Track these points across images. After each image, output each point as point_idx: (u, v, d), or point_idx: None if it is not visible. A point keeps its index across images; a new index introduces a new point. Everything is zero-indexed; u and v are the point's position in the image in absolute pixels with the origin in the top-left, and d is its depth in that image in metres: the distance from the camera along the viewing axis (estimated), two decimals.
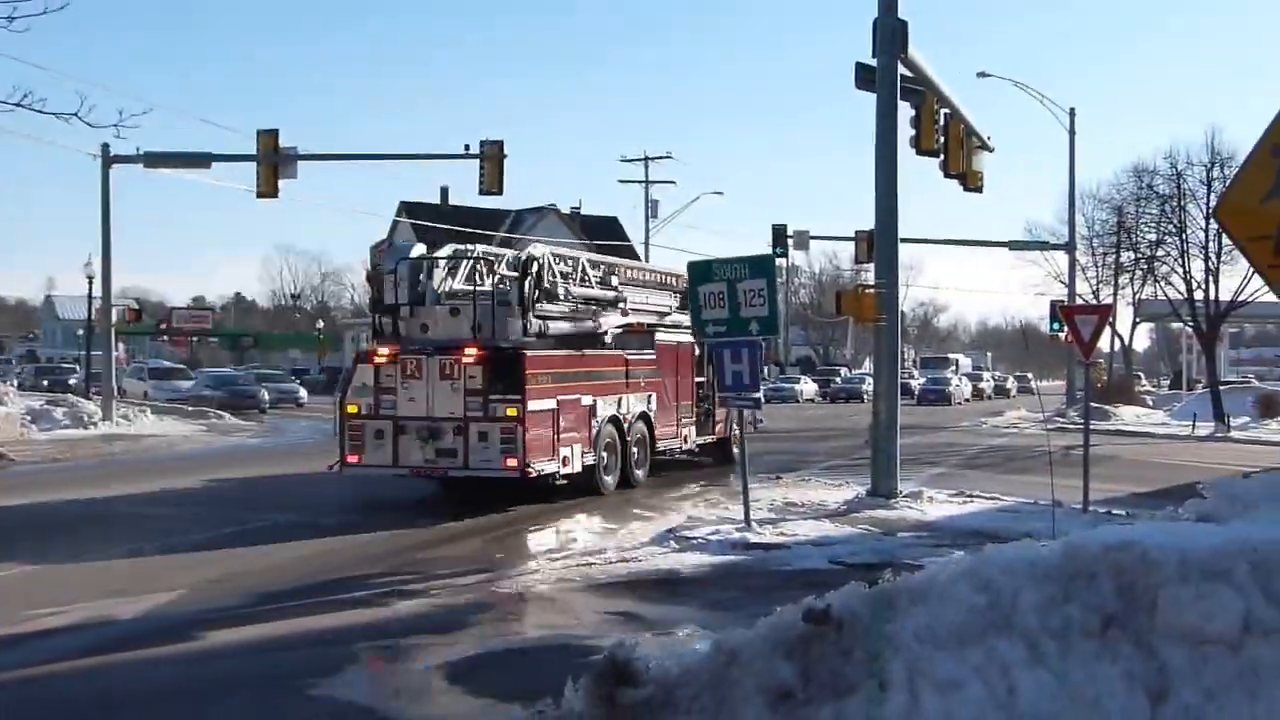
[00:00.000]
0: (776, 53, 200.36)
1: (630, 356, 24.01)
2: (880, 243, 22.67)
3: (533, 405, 20.04)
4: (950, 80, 24.56)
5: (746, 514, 18.16)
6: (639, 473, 23.78)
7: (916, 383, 79.41)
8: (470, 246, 23.68)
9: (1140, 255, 59.01)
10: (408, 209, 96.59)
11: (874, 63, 21.83)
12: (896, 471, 21.55)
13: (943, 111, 24.58)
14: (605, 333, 23.56)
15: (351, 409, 20.98)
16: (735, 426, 23.49)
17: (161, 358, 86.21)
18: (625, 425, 23.21)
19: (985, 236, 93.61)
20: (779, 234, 59.28)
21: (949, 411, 65.87)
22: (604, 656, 5.80)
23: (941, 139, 24.64)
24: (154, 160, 39.48)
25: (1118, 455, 32.89)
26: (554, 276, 22.47)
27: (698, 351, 25.92)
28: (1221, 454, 34.31)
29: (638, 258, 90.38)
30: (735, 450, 23.97)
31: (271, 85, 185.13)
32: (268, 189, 36.39)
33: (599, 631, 10.94)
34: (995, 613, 4.71)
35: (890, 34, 21.62)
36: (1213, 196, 45.92)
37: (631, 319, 25.15)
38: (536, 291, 21.63)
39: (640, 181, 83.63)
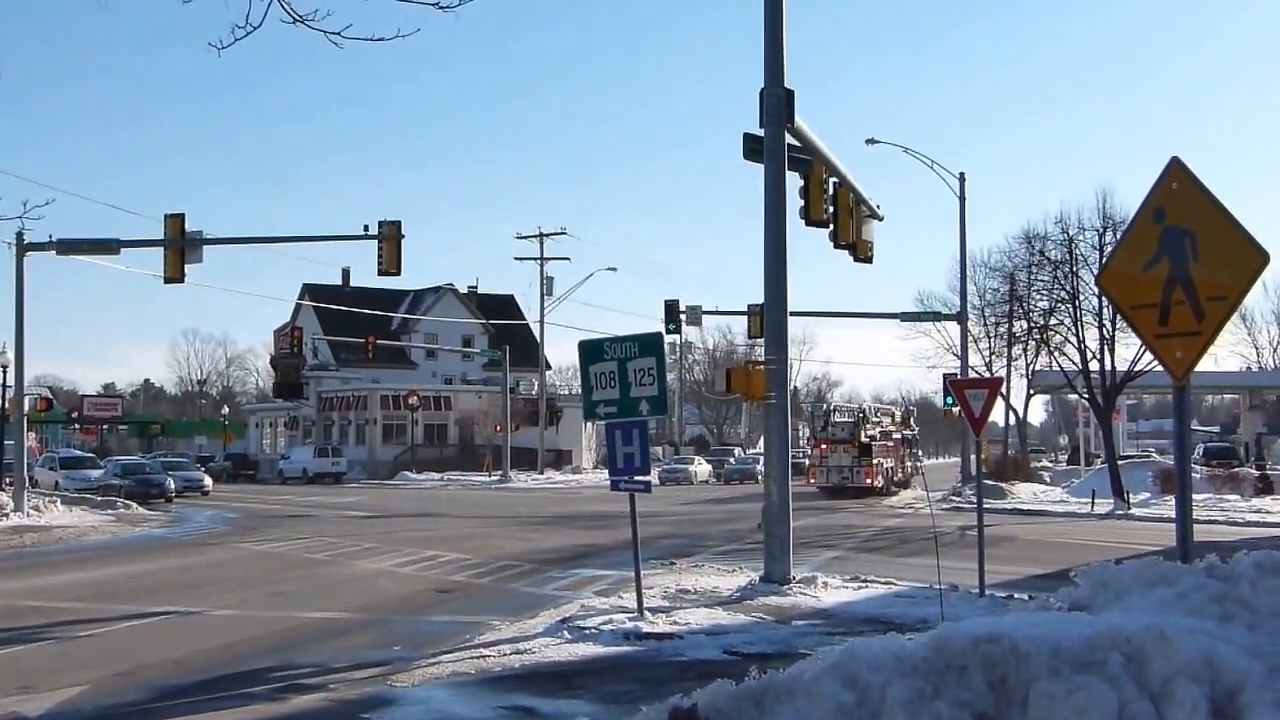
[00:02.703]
0: (669, 125, 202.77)
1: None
2: (770, 316, 22.77)
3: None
4: (839, 149, 24.93)
5: (639, 603, 18.10)
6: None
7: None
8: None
9: (1033, 324, 59.58)
10: (310, 291, 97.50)
11: (762, 133, 22.03)
12: (790, 556, 21.55)
13: (831, 181, 24.89)
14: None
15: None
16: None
17: (72, 446, 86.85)
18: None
19: (878, 308, 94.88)
20: (671, 310, 59.72)
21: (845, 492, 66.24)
22: None
23: (831, 208, 24.94)
24: (66, 247, 40.33)
25: (1015, 535, 33.21)
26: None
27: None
28: (1120, 533, 34.75)
29: (533, 335, 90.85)
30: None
31: (179, 175, 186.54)
32: (174, 273, 37.33)
33: None
34: (864, 710, 4.66)
35: (777, 104, 21.82)
36: None
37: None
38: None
39: (535, 259, 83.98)
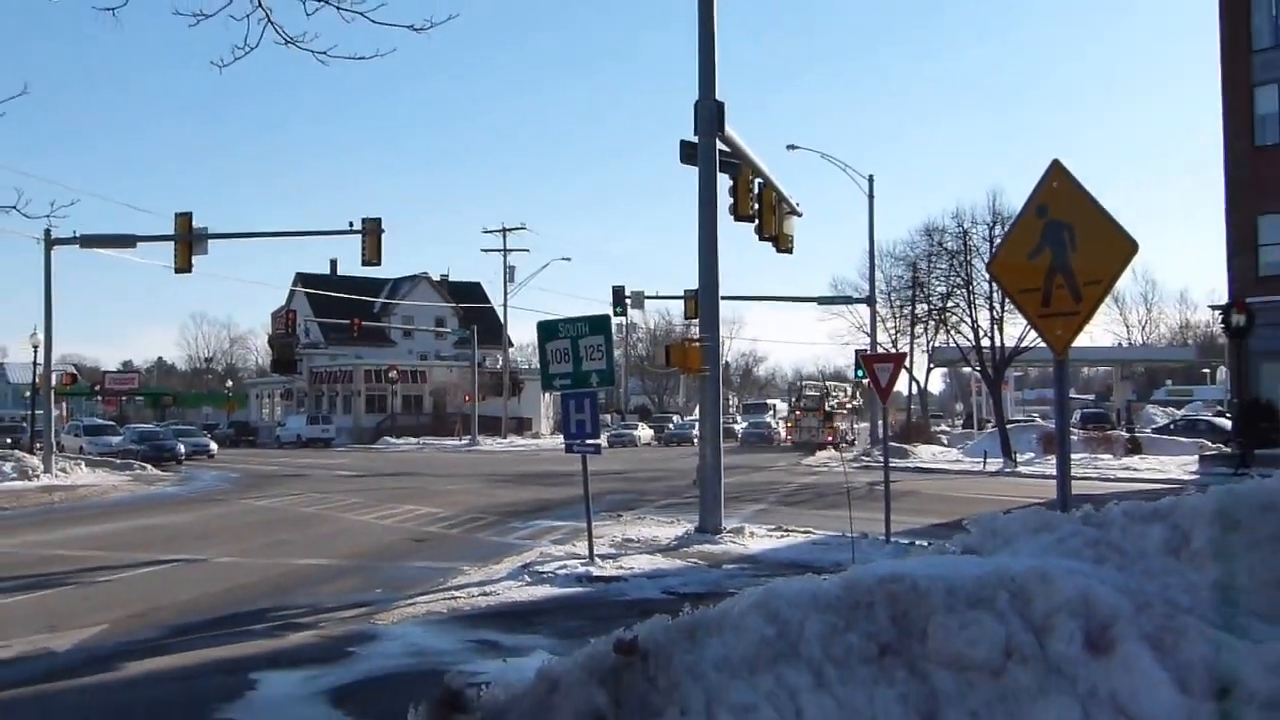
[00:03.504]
0: (617, 132, 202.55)
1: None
2: (703, 300, 22.75)
3: None
4: (764, 153, 24.90)
5: (590, 550, 18.11)
6: None
7: (739, 426, 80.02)
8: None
9: (933, 307, 60.02)
10: (303, 279, 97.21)
11: (696, 140, 21.99)
12: (721, 509, 21.56)
13: (757, 181, 24.86)
14: None
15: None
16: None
17: (95, 416, 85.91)
18: None
19: (798, 292, 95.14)
20: (618, 295, 59.81)
21: (769, 452, 66.44)
22: (440, 686, 5.70)
23: (756, 206, 24.91)
24: (88, 242, 40.09)
25: (918, 490, 33.35)
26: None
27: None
28: (1008, 488, 34.99)
29: (497, 317, 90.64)
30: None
31: (186, 176, 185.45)
32: (184, 264, 36.97)
33: (461, 659, 11.01)
34: (783, 642, 4.64)
35: (709, 115, 21.79)
36: None
37: None
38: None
39: (499, 250, 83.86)
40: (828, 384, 75.73)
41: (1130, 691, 4.41)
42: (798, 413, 70.86)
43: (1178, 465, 42.51)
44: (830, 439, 63.83)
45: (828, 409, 67.56)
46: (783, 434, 74.78)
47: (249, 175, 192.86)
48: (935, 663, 4.55)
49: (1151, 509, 5.65)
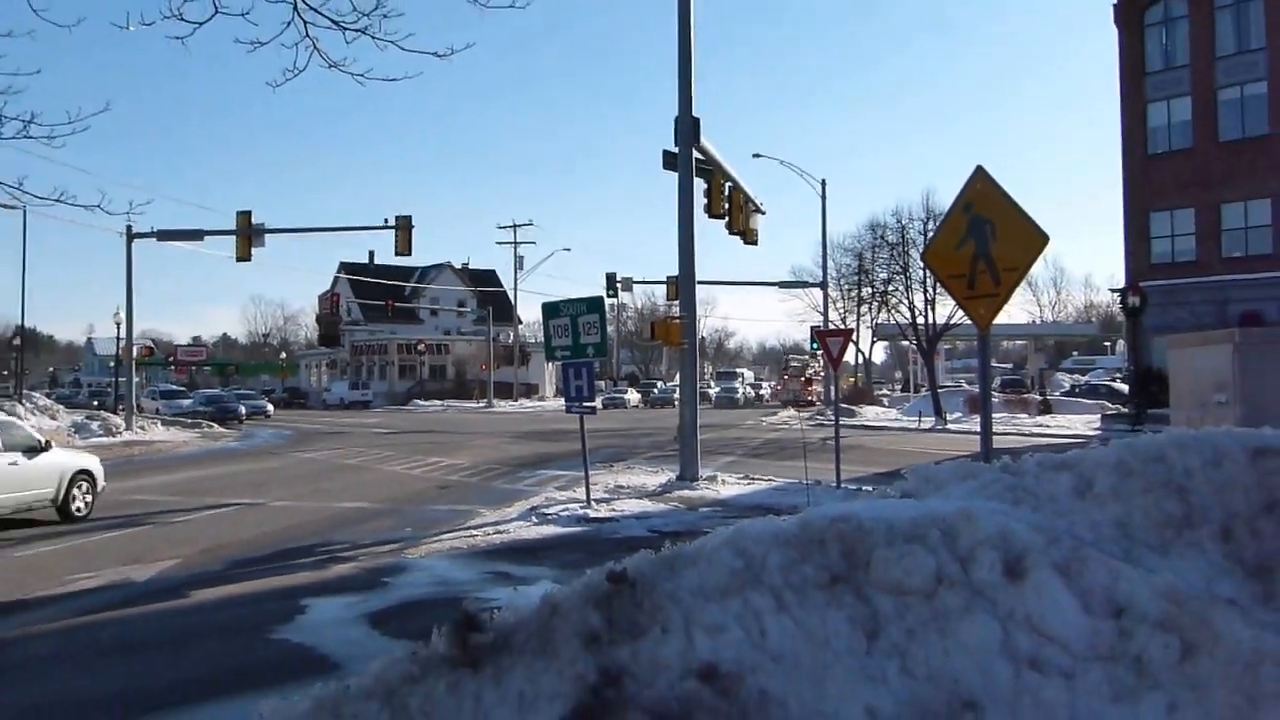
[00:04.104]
0: (612, 138, 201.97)
1: None
2: (682, 285, 22.74)
3: None
4: (733, 161, 24.85)
5: (588, 495, 18.19)
6: None
7: (713, 391, 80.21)
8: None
9: (876, 290, 60.20)
10: (346, 267, 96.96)
11: (676, 150, 21.95)
12: (698, 460, 21.62)
13: (727, 185, 24.81)
14: None
15: None
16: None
17: (169, 383, 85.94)
18: None
19: (762, 278, 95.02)
20: (611, 280, 59.75)
21: (737, 413, 66.54)
22: (460, 610, 5.72)
23: (726, 205, 24.86)
24: (164, 236, 40.10)
25: (863, 444, 33.45)
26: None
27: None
28: (939, 442, 35.11)
29: (509, 299, 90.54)
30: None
31: (246, 178, 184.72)
32: (244, 254, 36.75)
33: (479, 587, 11.23)
34: (749, 572, 4.63)
35: (687, 129, 21.76)
36: None
37: None
38: None
39: (510, 242, 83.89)
40: (806, 357, 78.68)
41: (1041, 612, 4.41)
42: (785, 377, 77.69)
43: (1083, 423, 42.67)
44: (808, 398, 69.46)
45: (807, 376, 74.04)
46: (770, 394, 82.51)
47: (299, 175, 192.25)
48: (877, 589, 4.55)
49: (1060, 459, 5.65)
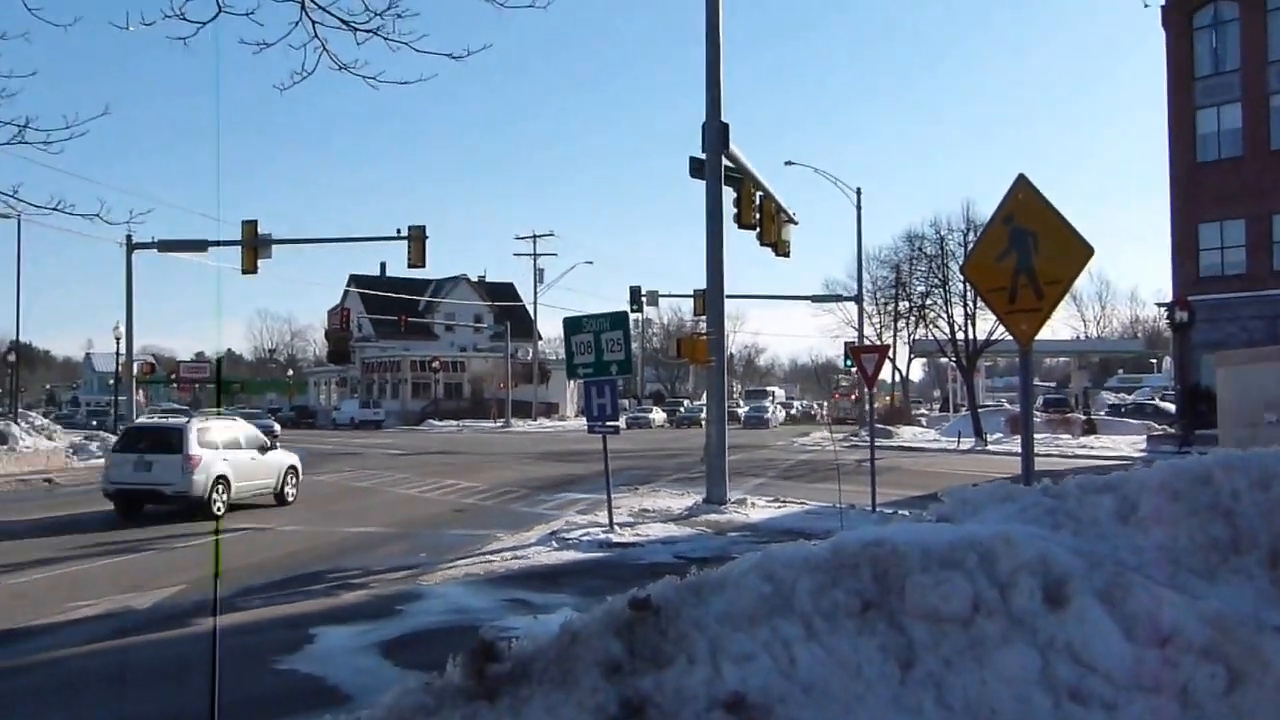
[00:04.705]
0: (635, 146, 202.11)
1: None
2: (710, 299, 22.80)
3: None
4: (763, 167, 24.96)
5: (610, 519, 18.22)
6: None
7: (742, 410, 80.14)
8: None
9: (913, 304, 60.10)
10: (356, 280, 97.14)
11: (703, 156, 22.02)
12: (726, 482, 21.64)
13: (758, 194, 24.86)
14: None
15: None
16: None
17: (171, 401, 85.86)
18: None
19: (794, 292, 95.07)
20: (635, 294, 59.63)
21: (767, 433, 66.47)
22: (477, 639, 5.77)
23: (757, 215, 24.91)
24: (165, 246, 40.08)
25: (899, 466, 33.37)
26: None
27: None
28: (979, 464, 34.99)
29: (528, 314, 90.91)
30: None
31: (252, 187, 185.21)
32: (249, 266, 36.78)
33: (496, 615, 11.20)
34: (778, 598, 4.67)
35: (715, 135, 21.83)
36: None
37: None
38: None
39: (530, 254, 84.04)
40: (855, 374, 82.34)
41: (1083, 640, 4.43)
42: (835, 395, 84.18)
43: (1128, 444, 42.45)
44: (853, 416, 71.24)
45: (857, 394, 74.09)
46: (823, 412, 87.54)
47: (307, 184, 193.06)
48: (912, 616, 4.58)
49: (1103, 481, 5.67)
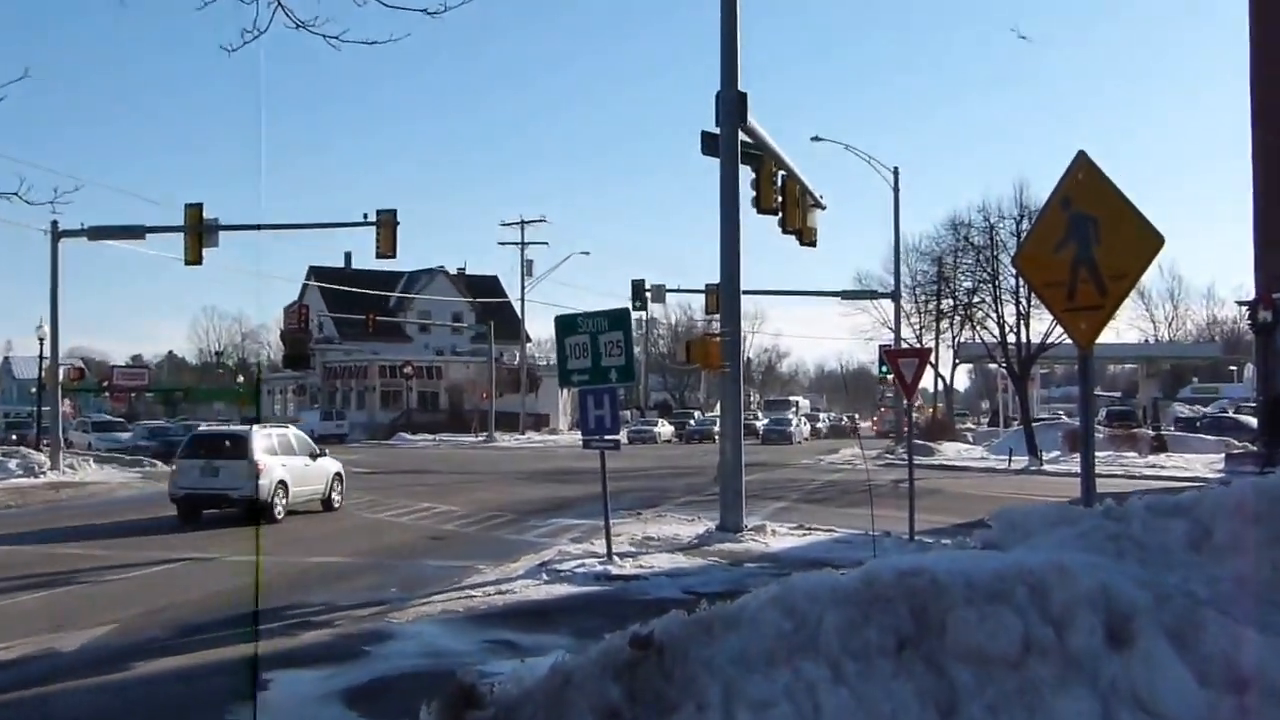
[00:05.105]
0: (638, 120, 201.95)
1: None
2: (724, 295, 22.80)
3: None
4: (786, 145, 24.94)
5: (609, 548, 18.20)
6: None
7: (761, 423, 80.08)
8: None
9: (958, 302, 59.86)
10: (316, 273, 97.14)
11: (718, 131, 22.02)
12: (742, 507, 21.64)
13: (780, 174, 24.88)
14: None
15: None
16: None
17: (103, 412, 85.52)
18: None
19: (821, 287, 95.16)
20: (638, 289, 59.66)
21: (790, 450, 66.45)
22: (454, 682, 5.77)
23: (779, 199, 24.93)
24: (97, 233, 39.92)
25: (941, 488, 33.35)
26: None
27: None
28: (1033, 486, 34.96)
29: (514, 312, 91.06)
30: None
31: (196, 165, 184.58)
32: (194, 257, 36.78)
33: (478, 658, 11.07)
34: (801, 636, 4.69)
35: (731, 106, 21.83)
36: None
37: None
38: None
39: (517, 243, 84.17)
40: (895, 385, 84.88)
41: (1150, 685, 4.45)
42: (882, 410, 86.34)
43: (1204, 464, 42.38)
44: (905, 429, 70.55)
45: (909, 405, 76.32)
46: (870, 426, 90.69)
47: (259, 164, 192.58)
48: (954, 656, 4.60)
49: (1173, 503, 5.69)
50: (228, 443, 26.28)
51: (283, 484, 25.70)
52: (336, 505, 27.92)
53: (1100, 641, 4.58)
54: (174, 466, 27.12)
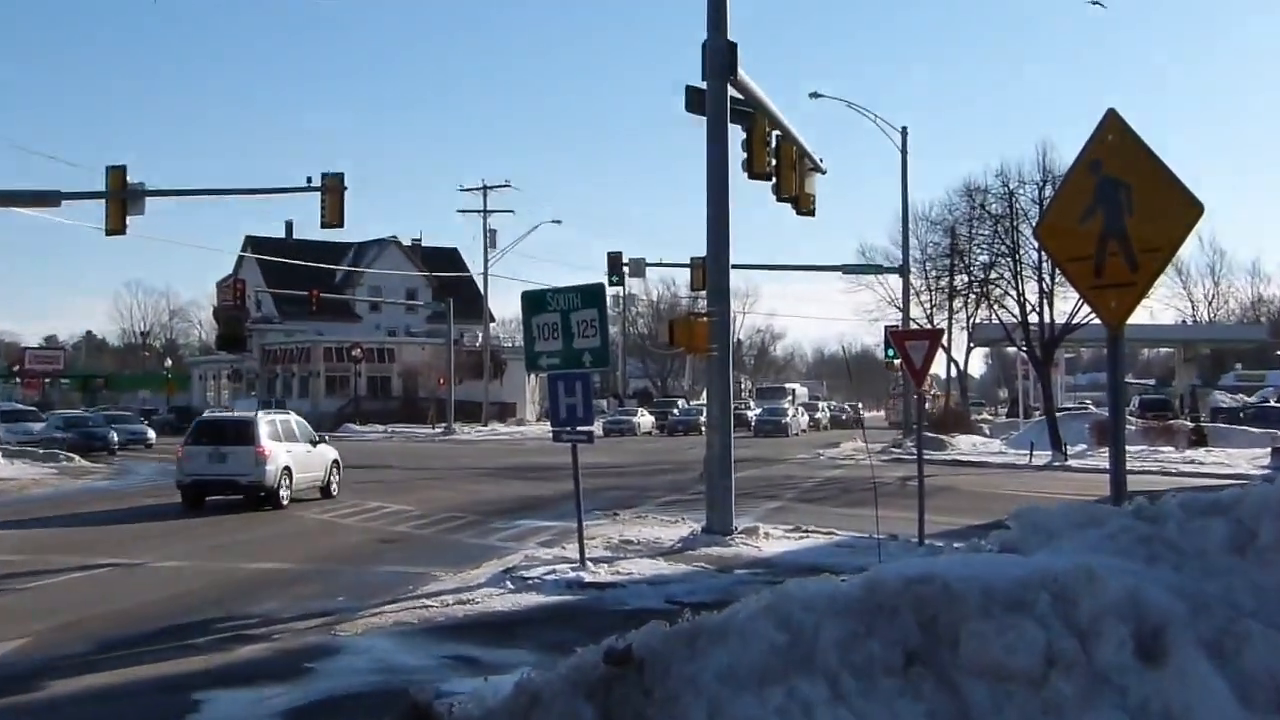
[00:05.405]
0: (616, 77, 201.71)
1: None
2: (712, 269, 22.75)
3: None
4: (782, 102, 24.86)
5: (581, 553, 18.22)
6: None
7: (753, 414, 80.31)
8: None
9: (974, 278, 59.59)
10: (253, 244, 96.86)
11: (704, 86, 21.95)
12: (732, 507, 21.65)
13: (774, 134, 24.82)
14: None
15: None
16: None
17: (13, 400, 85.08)
18: None
19: (821, 261, 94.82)
20: (614, 262, 59.58)
21: (785, 443, 66.62)
22: (407, 700, 5.78)
23: (773, 162, 24.87)
24: (5, 199, 39.42)
25: (955, 486, 33.44)
26: None
27: None
28: (1057, 483, 35.06)
29: (476, 288, 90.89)
30: None
31: (119, 123, 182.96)
32: (116, 225, 36.27)
33: (436, 676, 10.97)
34: (796, 651, 4.70)
35: (719, 56, 21.75)
36: None
37: None
38: None
39: (479, 211, 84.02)
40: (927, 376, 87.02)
41: (1185, 704, 4.47)
42: (892, 399, 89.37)
43: (1247, 459, 42.56)
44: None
45: (920, 394, 74.68)
46: (882, 415, 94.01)
47: (192, 122, 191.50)
48: (968, 673, 4.61)
49: (1212, 501, 5.71)
50: (234, 428, 29.31)
51: (288, 470, 28.62)
52: (334, 494, 31.08)
53: (1130, 656, 4.60)
54: (179, 453, 29.58)
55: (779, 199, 25.83)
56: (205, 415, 37.14)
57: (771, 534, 21.34)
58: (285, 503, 28.17)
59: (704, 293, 26.04)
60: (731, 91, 22.10)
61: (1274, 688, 4.51)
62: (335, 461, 31.76)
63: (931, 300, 67.71)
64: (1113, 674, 4.56)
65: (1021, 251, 52.34)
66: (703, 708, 4.57)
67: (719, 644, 4.79)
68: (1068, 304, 49.20)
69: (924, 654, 4.68)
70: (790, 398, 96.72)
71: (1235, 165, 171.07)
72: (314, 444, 30.97)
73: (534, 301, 18.85)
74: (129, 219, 36.27)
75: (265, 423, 29.05)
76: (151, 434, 65.08)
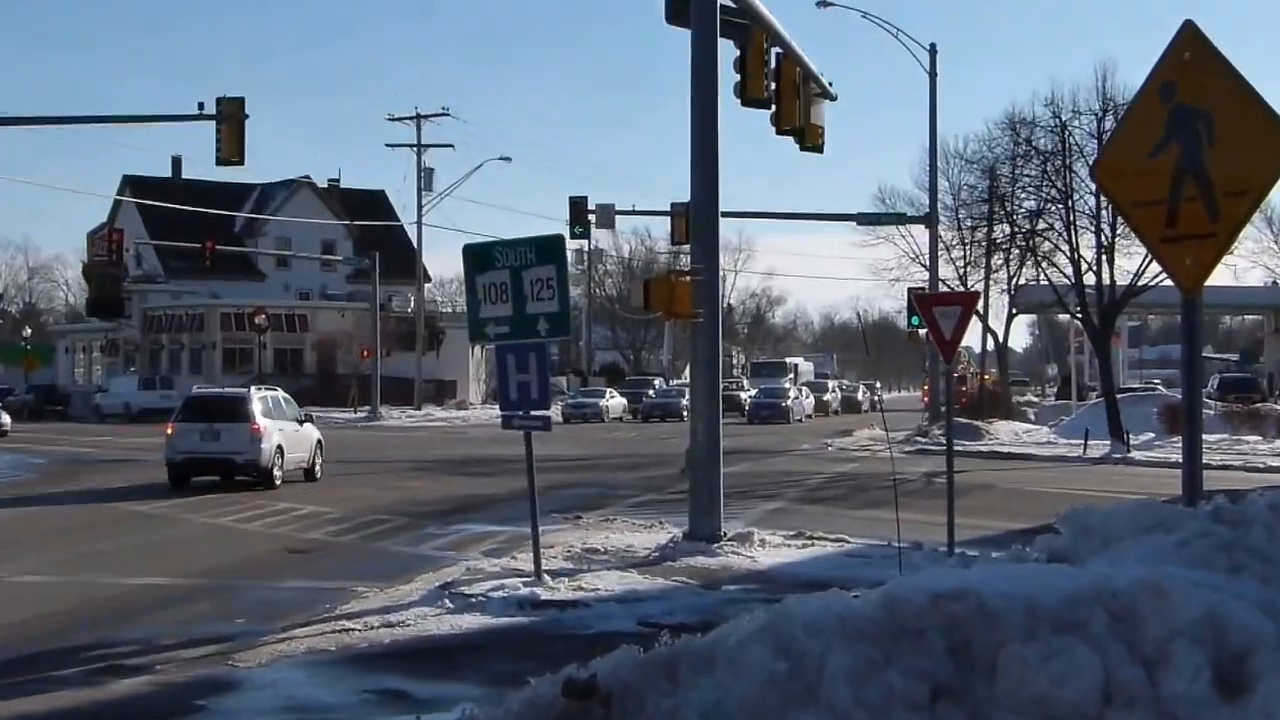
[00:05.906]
0: None
1: None
2: (697, 218, 22.77)
3: None
4: (784, 11, 24.88)
5: (537, 564, 18.20)
6: None
7: (747, 395, 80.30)
8: None
9: (1017, 229, 59.57)
10: (133, 185, 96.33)
11: None
12: (720, 509, 21.68)
13: (774, 51, 24.82)
14: None
15: None
16: None
17: None
18: None
19: (830, 208, 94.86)
20: (578, 209, 59.42)
21: (787, 431, 66.77)
22: None
23: (773, 85, 24.88)
24: None
25: (992, 483, 33.48)
26: None
27: None
28: (1117, 480, 35.15)
29: (408, 239, 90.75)
30: None
31: None
32: None
33: (357, 714, 11.33)
34: (798, 682, 4.70)
35: None
36: None
37: None
38: None
39: (411, 146, 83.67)
40: (961, 350, 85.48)
41: None
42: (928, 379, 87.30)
43: None
44: (962, 401, 67.23)
45: (961, 373, 74.73)
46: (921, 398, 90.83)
47: (55, 37, 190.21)
48: (1007, 709, 4.63)
49: None
50: (226, 405, 33.27)
51: (280, 449, 32.29)
52: (318, 476, 35.02)
53: (1207, 687, 4.61)
54: (170, 429, 32.96)
55: (779, 131, 25.87)
56: (196, 390, 40.45)
57: (768, 541, 21.41)
58: (278, 483, 31.61)
59: (687, 247, 26.03)
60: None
61: None
62: (319, 442, 35.56)
63: (965, 257, 67.73)
64: (1185, 709, 4.58)
65: (1076, 197, 52.27)
66: None
67: (704, 674, 4.80)
68: (1132, 261, 49.25)
69: (954, 686, 4.69)
70: (792, 375, 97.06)
71: None
72: (300, 423, 34.69)
73: (479, 257, 18.83)
74: None
75: (259, 399, 32.92)
76: (6, 419, 64.85)
